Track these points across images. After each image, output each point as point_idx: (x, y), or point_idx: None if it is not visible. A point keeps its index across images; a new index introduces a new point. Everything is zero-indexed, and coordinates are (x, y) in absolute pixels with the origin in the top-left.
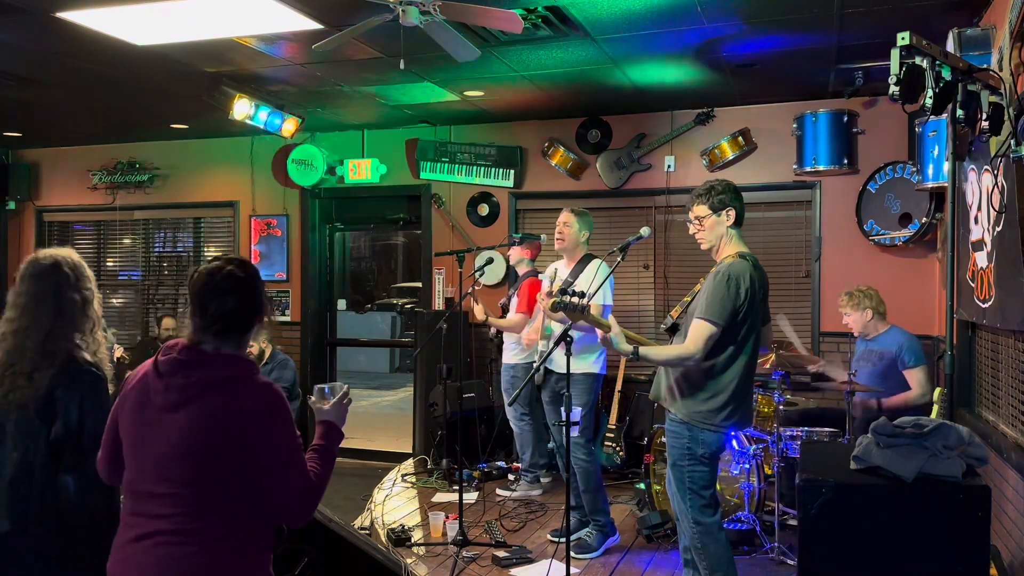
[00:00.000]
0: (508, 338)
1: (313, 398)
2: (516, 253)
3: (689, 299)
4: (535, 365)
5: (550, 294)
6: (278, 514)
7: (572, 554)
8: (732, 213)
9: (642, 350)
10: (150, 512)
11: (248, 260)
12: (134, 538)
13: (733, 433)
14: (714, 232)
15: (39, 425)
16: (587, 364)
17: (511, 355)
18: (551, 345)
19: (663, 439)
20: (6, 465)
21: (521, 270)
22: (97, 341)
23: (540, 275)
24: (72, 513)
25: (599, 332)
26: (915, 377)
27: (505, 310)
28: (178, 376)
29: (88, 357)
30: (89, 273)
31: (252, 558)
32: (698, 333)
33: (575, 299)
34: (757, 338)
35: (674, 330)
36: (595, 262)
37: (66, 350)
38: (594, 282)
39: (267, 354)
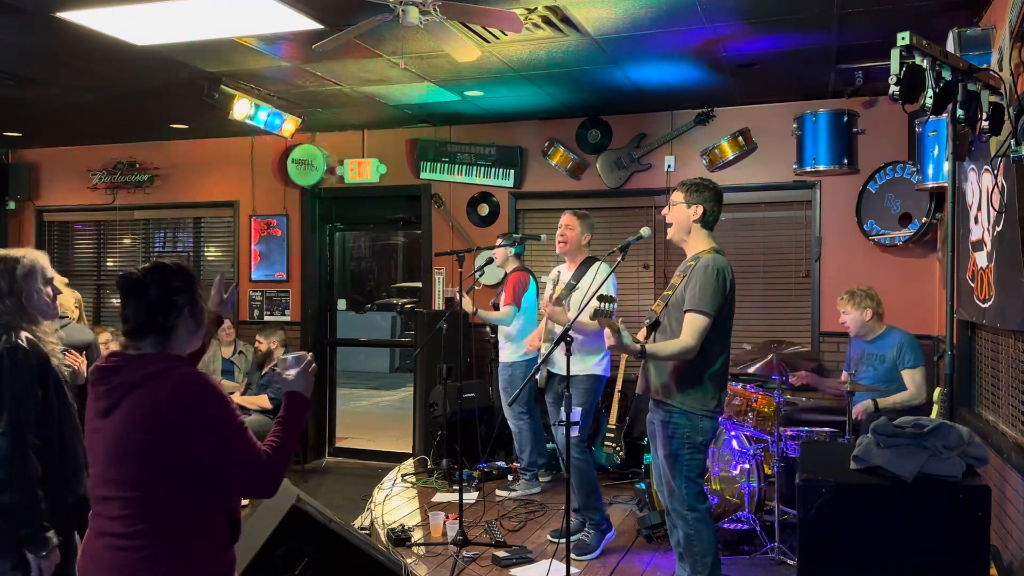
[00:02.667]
0: (504, 337)
1: (277, 369)
2: (501, 254)
3: (670, 292)
4: (536, 366)
5: (552, 299)
6: (241, 492)
7: (571, 555)
8: (699, 210)
9: (648, 347)
10: (103, 513)
11: (171, 263)
12: (94, 538)
13: (734, 433)
14: (679, 221)
15: None
16: (589, 365)
17: (508, 354)
18: (552, 346)
19: None
20: None
21: (509, 268)
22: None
23: (543, 275)
24: None
25: (608, 335)
26: (912, 377)
27: (497, 308)
28: (102, 383)
29: (21, 333)
30: (13, 272)
31: (206, 554)
32: (694, 326)
33: (608, 306)
34: (731, 328)
35: (655, 326)
36: (596, 264)
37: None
38: (594, 284)
39: (277, 355)
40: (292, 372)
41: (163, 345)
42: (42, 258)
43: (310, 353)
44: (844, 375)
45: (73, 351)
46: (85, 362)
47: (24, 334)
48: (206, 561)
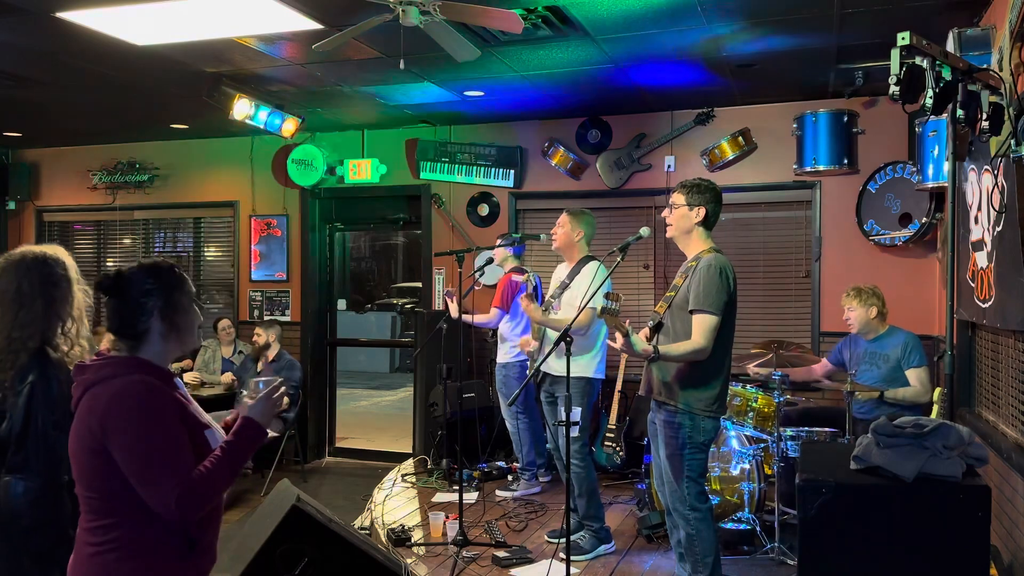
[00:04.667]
0: (499, 338)
1: (246, 392)
2: (500, 254)
3: (672, 294)
4: (531, 366)
5: (529, 297)
6: (158, 512)
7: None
8: (702, 212)
9: (661, 348)
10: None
11: (149, 263)
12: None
13: (734, 433)
14: (680, 223)
15: None
16: (580, 367)
17: (503, 354)
18: (551, 346)
19: None
20: None
21: (507, 268)
22: (71, 340)
23: (527, 272)
24: (17, 516)
25: (617, 337)
26: (919, 377)
27: None
28: (74, 381)
29: (54, 356)
30: (68, 271)
31: (165, 563)
32: (704, 326)
33: (614, 304)
34: (734, 328)
35: (659, 327)
36: (593, 264)
37: (29, 348)
38: (593, 284)
39: (274, 349)
40: (253, 398)
41: (136, 350)
42: (69, 256)
43: (279, 379)
44: (823, 362)
45: None
46: None
47: (66, 348)
48: (167, 569)
